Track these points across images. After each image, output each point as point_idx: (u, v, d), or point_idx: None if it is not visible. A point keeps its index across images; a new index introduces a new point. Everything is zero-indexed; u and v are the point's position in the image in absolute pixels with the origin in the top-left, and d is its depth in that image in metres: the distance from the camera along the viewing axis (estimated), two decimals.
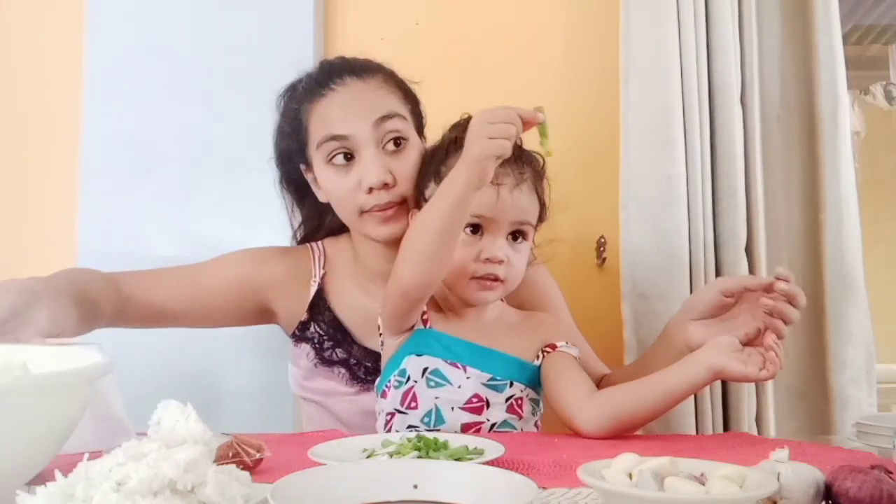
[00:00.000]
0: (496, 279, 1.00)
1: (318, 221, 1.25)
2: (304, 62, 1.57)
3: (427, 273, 0.92)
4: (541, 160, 1.07)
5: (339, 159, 1.09)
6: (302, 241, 1.27)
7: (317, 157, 1.11)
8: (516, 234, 1.01)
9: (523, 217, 1.01)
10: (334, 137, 1.08)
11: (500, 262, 0.99)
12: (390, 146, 1.09)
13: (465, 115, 1.08)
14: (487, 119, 0.88)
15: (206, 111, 1.60)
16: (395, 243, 1.11)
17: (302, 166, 1.18)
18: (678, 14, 1.48)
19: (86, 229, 1.60)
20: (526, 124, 0.90)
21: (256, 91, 1.59)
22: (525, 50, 1.69)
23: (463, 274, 1.00)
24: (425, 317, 1.02)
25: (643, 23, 1.49)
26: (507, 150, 0.86)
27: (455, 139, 1.05)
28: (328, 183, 1.12)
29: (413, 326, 1.02)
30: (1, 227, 1.66)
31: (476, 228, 1.00)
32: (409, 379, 0.99)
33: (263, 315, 1.22)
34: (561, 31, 1.70)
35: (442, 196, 0.90)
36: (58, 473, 0.50)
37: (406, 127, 1.11)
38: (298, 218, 1.27)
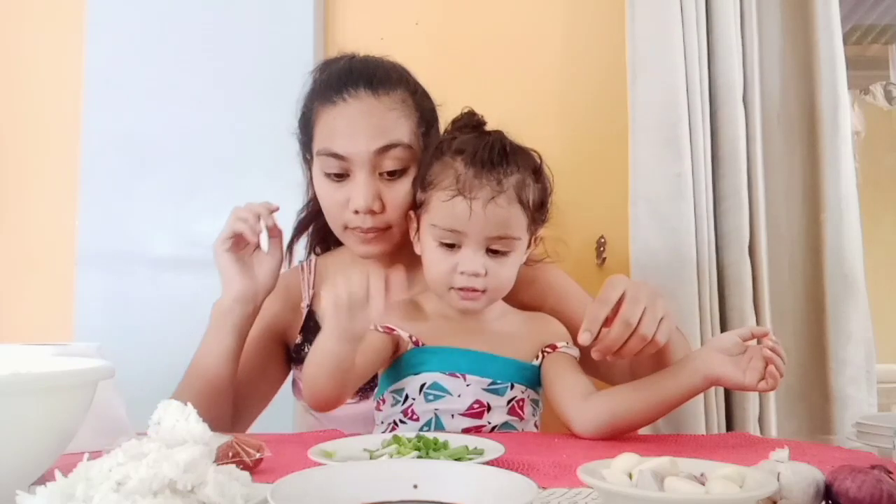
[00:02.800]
0: (474, 290, 0.97)
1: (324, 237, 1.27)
2: (304, 62, 1.57)
3: (327, 399, 0.91)
4: (537, 158, 1.02)
5: (334, 173, 1.08)
6: (303, 221, 1.28)
7: (315, 161, 1.11)
8: (496, 249, 0.97)
9: (500, 232, 0.96)
10: (333, 155, 1.07)
11: (476, 274, 0.96)
12: (387, 173, 1.07)
13: (466, 108, 1.06)
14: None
15: (205, 111, 1.60)
16: (384, 254, 1.12)
17: (307, 156, 1.18)
18: (681, 13, 1.48)
19: (86, 229, 1.60)
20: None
21: (256, 91, 1.60)
22: (525, 50, 1.69)
23: (443, 284, 0.99)
24: (415, 339, 1.00)
25: (648, 22, 1.50)
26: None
27: (440, 145, 1.03)
28: (321, 191, 1.12)
29: (404, 346, 1.01)
30: (1, 227, 1.66)
31: (451, 244, 0.97)
32: (406, 398, 0.98)
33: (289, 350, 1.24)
34: (562, 30, 1.70)
35: (322, 343, 0.88)
36: (58, 473, 0.50)
37: (409, 156, 1.08)
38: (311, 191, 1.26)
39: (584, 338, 0.88)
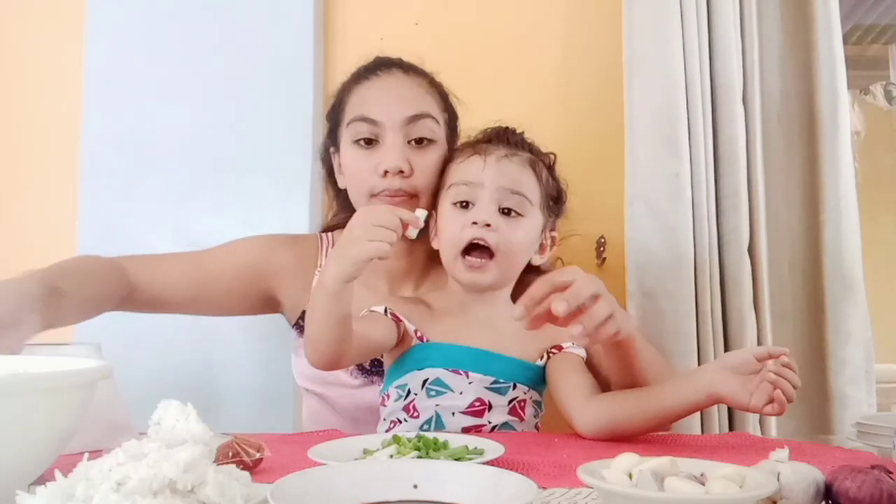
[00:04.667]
0: (486, 247, 0.98)
1: (347, 216, 1.26)
2: (304, 62, 1.58)
3: (328, 356, 0.89)
4: (552, 157, 1.07)
5: (364, 141, 1.11)
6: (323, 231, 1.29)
7: (345, 134, 1.13)
8: (508, 209, 1.00)
9: (513, 186, 1.00)
10: (365, 119, 1.11)
11: (487, 224, 0.97)
12: (415, 141, 1.11)
13: (496, 122, 1.10)
14: (371, 220, 0.83)
15: (205, 111, 1.60)
16: (401, 242, 1.12)
17: (332, 149, 1.19)
18: (681, 12, 1.48)
19: (86, 229, 1.60)
20: (405, 226, 0.86)
21: (257, 91, 1.60)
22: (525, 49, 1.69)
23: (453, 248, 1.00)
24: (419, 334, 1.01)
25: (646, 20, 1.49)
26: (385, 252, 0.82)
27: (461, 144, 1.09)
28: (349, 161, 1.14)
29: (409, 340, 1.01)
30: (1, 227, 1.66)
31: (465, 203, 1.00)
32: (409, 393, 0.99)
33: (268, 304, 1.22)
34: (562, 30, 1.70)
35: (319, 288, 0.86)
36: (58, 473, 0.50)
37: (437, 129, 1.13)
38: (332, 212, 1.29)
39: (517, 311, 0.84)
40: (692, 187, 1.46)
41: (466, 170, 1.01)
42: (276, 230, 1.40)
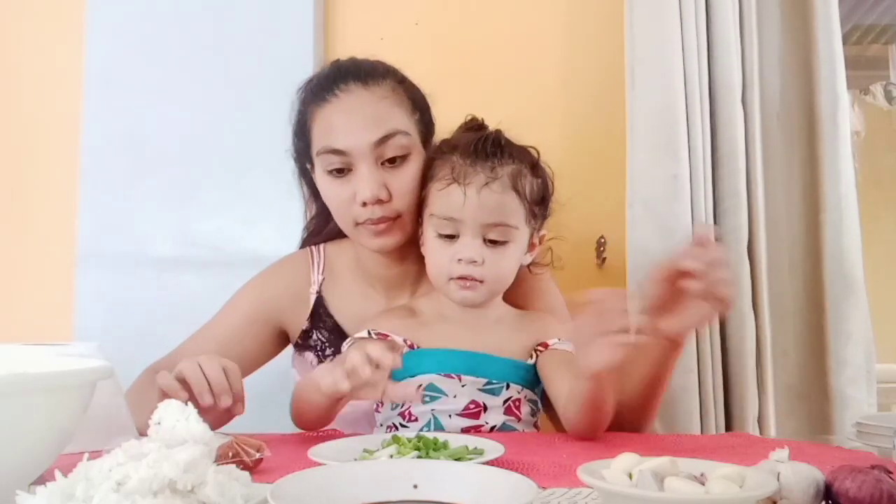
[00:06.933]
0: (474, 279, 0.98)
1: (328, 217, 1.25)
2: (304, 62, 1.58)
3: (315, 427, 0.96)
4: (535, 153, 1.04)
5: (337, 171, 1.08)
6: (309, 236, 1.28)
7: (317, 163, 1.11)
8: (493, 239, 0.98)
9: (496, 219, 0.97)
10: (333, 151, 1.07)
11: (474, 261, 0.97)
12: (388, 161, 1.07)
13: (469, 116, 1.08)
14: (359, 360, 0.79)
15: (205, 111, 1.60)
16: (393, 251, 1.12)
17: (308, 165, 1.17)
18: (680, 13, 1.48)
19: (86, 229, 1.60)
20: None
21: (256, 91, 1.60)
22: (525, 50, 1.69)
23: (443, 276, 1.00)
24: (409, 343, 1.01)
25: (646, 22, 1.49)
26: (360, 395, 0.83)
27: (439, 145, 1.06)
28: (326, 191, 1.12)
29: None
30: (1, 227, 1.66)
31: (451, 235, 0.99)
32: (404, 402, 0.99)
33: (282, 339, 1.23)
34: (562, 31, 1.70)
35: (313, 382, 0.87)
36: (58, 473, 0.50)
37: (408, 142, 1.08)
38: (312, 210, 1.28)
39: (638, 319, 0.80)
40: (691, 188, 1.46)
41: (446, 202, 0.98)
42: (275, 230, 1.40)
